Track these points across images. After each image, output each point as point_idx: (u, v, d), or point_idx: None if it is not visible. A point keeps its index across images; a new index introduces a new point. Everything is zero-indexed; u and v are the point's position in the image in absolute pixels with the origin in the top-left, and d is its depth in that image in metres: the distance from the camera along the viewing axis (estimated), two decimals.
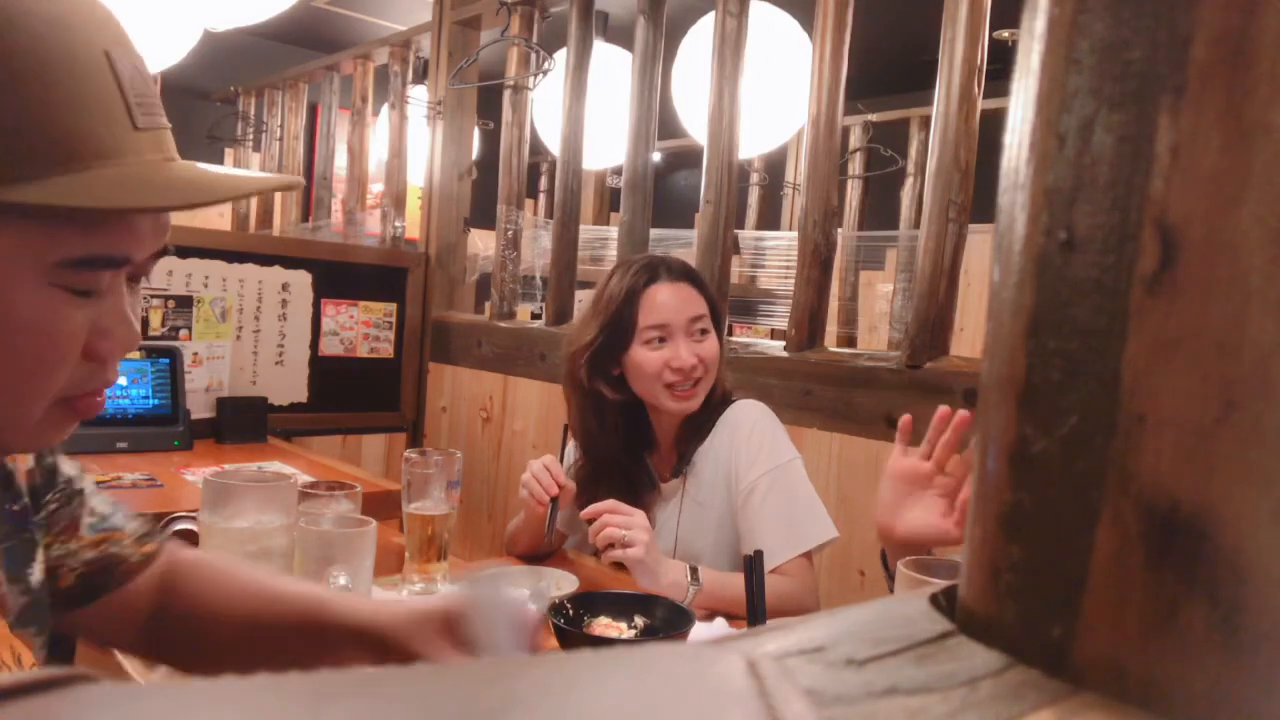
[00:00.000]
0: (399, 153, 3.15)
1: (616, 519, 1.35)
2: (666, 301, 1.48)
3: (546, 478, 1.47)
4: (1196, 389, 0.21)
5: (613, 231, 3.19)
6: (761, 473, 1.46)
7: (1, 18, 0.53)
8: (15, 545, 0.72)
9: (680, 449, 1.55)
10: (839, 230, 2.09)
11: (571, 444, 1.65)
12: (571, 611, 1.22)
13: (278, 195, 4.04)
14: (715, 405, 1.55)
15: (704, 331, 1.50)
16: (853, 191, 4.21)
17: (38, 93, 0.53)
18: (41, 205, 0.53)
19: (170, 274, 2.43)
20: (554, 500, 1.47)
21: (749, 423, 1.52)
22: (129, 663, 0.97)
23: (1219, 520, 0.21)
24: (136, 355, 2.27)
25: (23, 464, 0.74)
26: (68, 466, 0.79)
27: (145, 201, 0.58)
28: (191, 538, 1.11)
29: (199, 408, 2.41)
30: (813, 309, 1.92)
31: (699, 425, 1.53)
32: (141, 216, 0.59)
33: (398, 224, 3.12)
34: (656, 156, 2.40)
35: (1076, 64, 0.23)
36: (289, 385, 2.66)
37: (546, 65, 2.59)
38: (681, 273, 1.53)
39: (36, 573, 0.73)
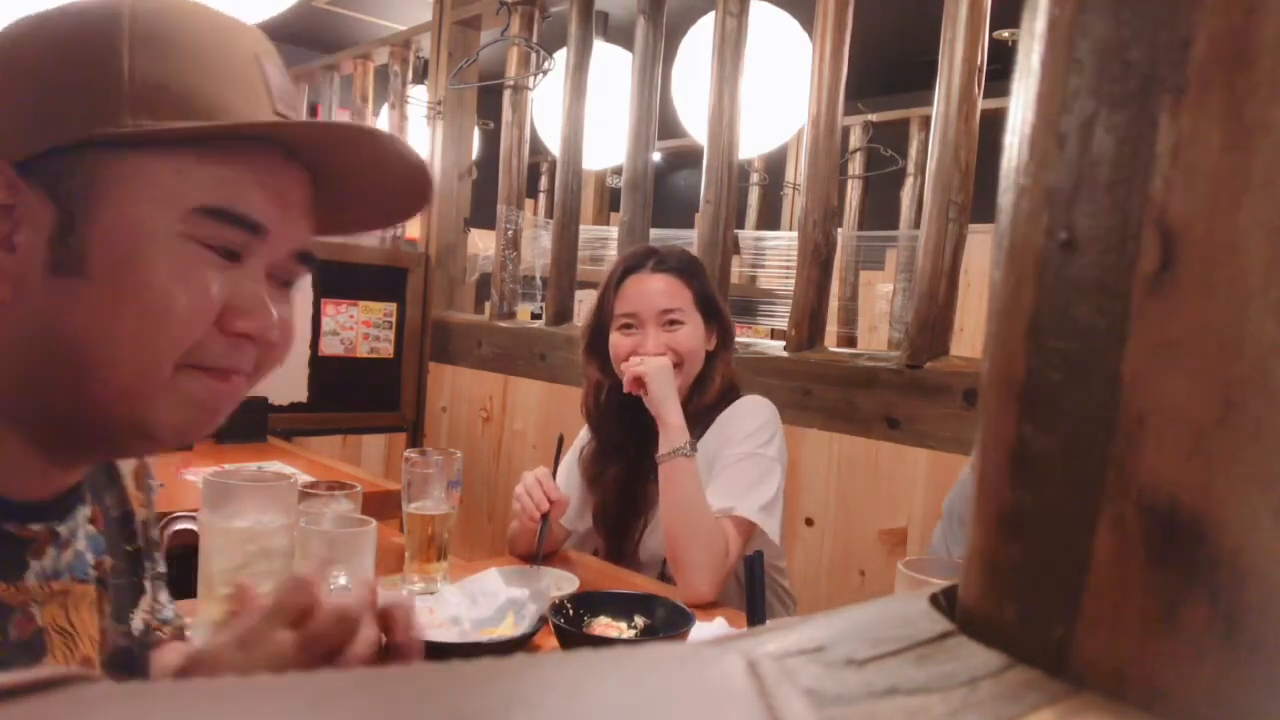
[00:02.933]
0: None
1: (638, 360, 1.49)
2: (638, 292, 1.54)
3: (538, 493, 1.48)
4: (1196, 389, 0.21)
5: (613, 231, 3.19)
6: (742, 453, 1.48)
7: (171, 17, 0.59)
8: (126, 586, 0.72)
9: None
10: (839, 230, 2.09)
11: (569, 451, 1.67)
12: (571, 611, 1.22)
13: None
14: (720, 398, 1.55)
15: (673, 323, 1.53)
16: (853, 191, 4.21)
17: (189, 63, 0.58)
18: (168, 130, 0.55)
19: None
20: (545, 516, 1.47)
21: (745, 414, 1.54)
22: None
23: (1219, 521, 0.21)
24: None
25: (140, 509, 0.75)
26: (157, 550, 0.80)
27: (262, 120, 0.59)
28: (191, 538, 1.11)
29: None
30: (813, 309, 1.92)
31: (701, 416, 1.54)
32: (277, 189, 0.61)
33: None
34: (656, 156, 2.40)
35: (1076, 64, 0.23)
36: (289, 385, 2.66)
37: (546, 65, 2.59)
38: (670, 264, 1.57)
39: (138, 620, 0.72)
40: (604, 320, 1.58)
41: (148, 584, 0.75)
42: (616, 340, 1.54)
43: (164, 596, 0.80)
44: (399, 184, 0.67)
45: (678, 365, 1.51)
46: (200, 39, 0.59)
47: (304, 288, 2.66)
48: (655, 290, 1.53)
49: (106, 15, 0.58)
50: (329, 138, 0.64)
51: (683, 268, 1.57)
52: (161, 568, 0.79)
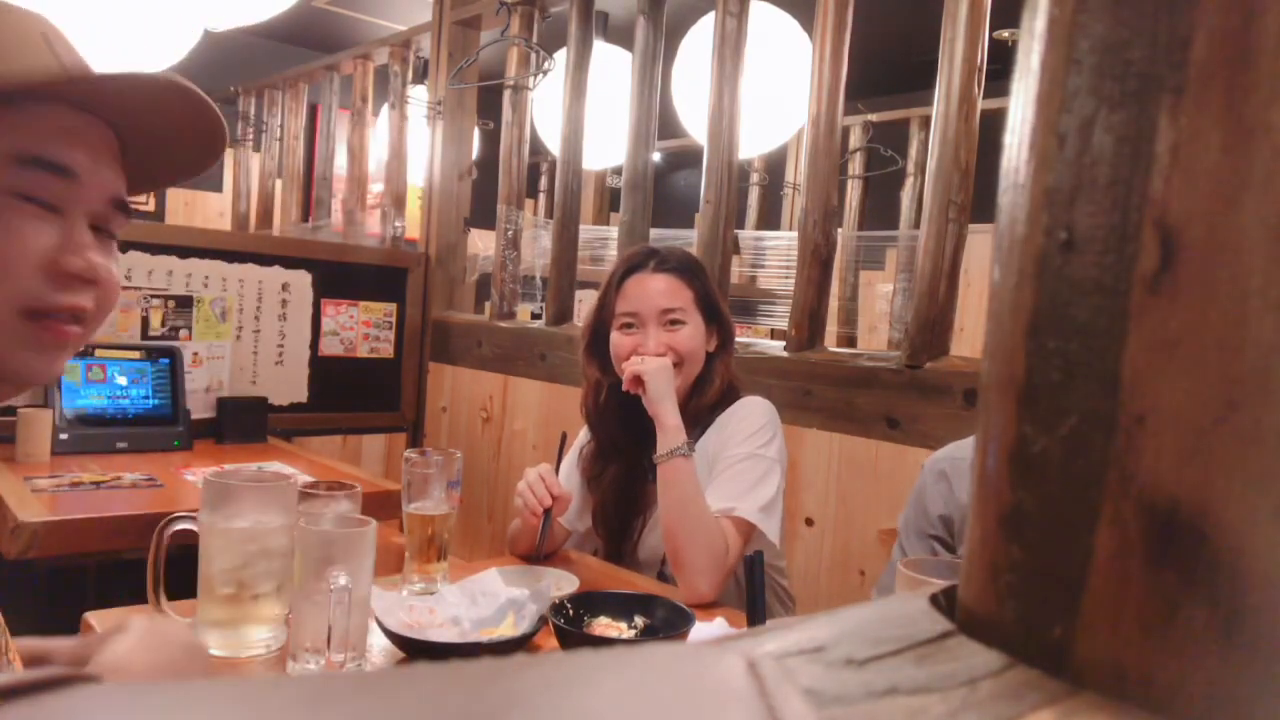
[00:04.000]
0: (399, 153, 3.15)
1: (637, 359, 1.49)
2: (640, 292, 1.54)
3: (541, 489, 1.48)
4: (1196, 389, 0.21)
5: (613, 231, 3.19)
6: (742, 453, 1.48)
7: None
8: None
9: None
10: (839, 230, 2.09)
11: (573, 445, 1.67)
12: (571, 611, 1.22)
13: (278, 195, 4.04)
14: (720, 399, 1.55)
15: (674, 323, 1.53)
16: (853, 191, 4.21)
17: None
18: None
19: (170, 274, 2.43)
20: (547, 512, 1.47)
21: (745, 414, 1.54)
22: None
23: (1219, 520, 0.21)
24: (136, 355, 2.28)
25: None
26: None
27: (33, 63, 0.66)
28: (191, 538, 1.11)
29: (199, 408, 2.41)
30: (813, 309, 1.92)
31: (701, 416, 1.54)
32: (83, 138, 0.67)
33: (398, 224, 3.12)
34: (656, 156, 2.40)
35: (1076, 64, 0.23)
36: (289, 385, 2.66)
37: (546, 65, 2.59)
38: (671, 264, 1.57)
39: None
40: (604, 320, 1.58)
41: None
42: (617, 339, 1.54)
43: None
44: (193, 126, 0.72)
45: (678, 365, 1.51)
46: None
47: (304, 289, 2.66)
48: (656, 290, 1.53)
49: None
50: (117, 84, 0.68)
51: (684, 268, 1.57)
52: None
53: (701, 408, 1.54)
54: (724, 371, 1.57)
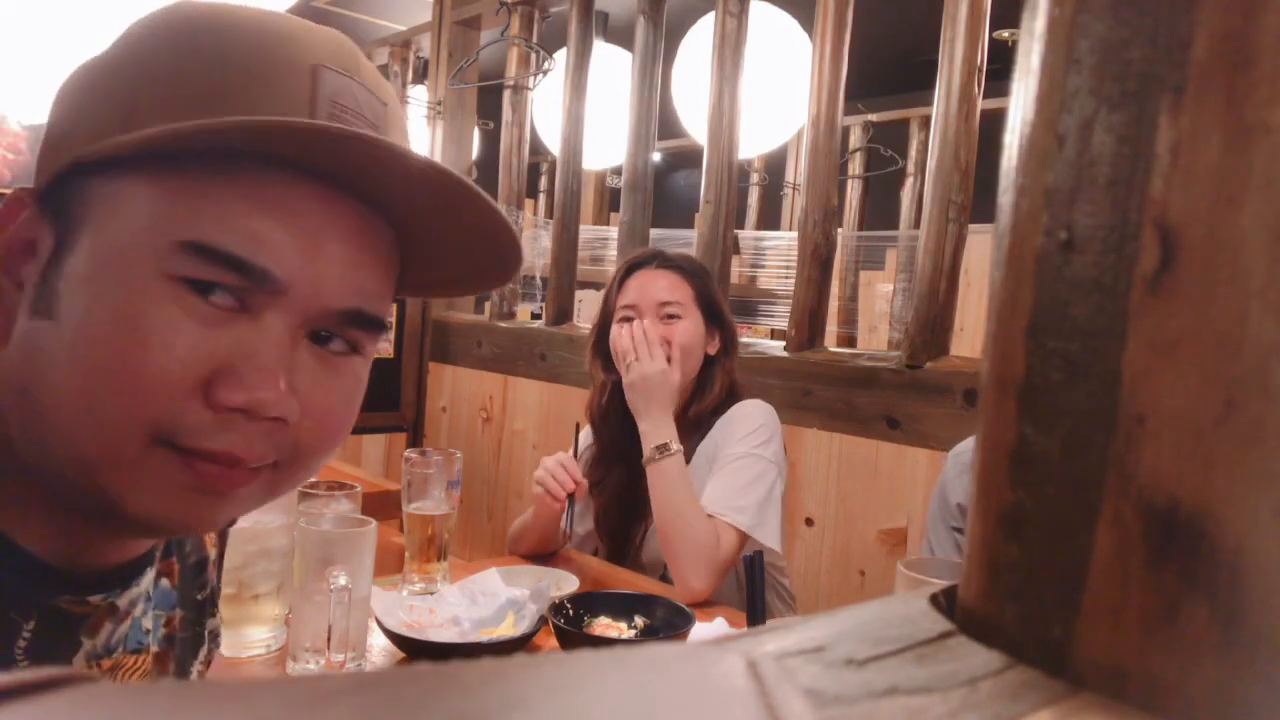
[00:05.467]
0: None
1: (640, 349, 1.48)
2: (639, 285, 1.56)
3: (563, 474, 1.49)
4: (1196, 389, 0.21)
5: (613, 231, 3.19)
6: (738, 453, 1.48)
7: (224, 25, 0.49)
8: (189, 638, 0.66)
9: (682, 442, 1.56)
10: (839, 230, 2.09)
11: (583, 435, 1.67)
12: (571, 611, 1.22)
13: None
14: (715, 404, 1.55)
15: (673, 316, 1.53)
16: (853, 191, 4.22)
17: (209, 69, 0.48)
18: (136, 139, 0.45)
19: None
20: (570, 496, 1.47)
21: (743, 415, 1.54)
22: None
23: (1219, 520, 0.21)
24: None
25: (212, 549, 0.70)
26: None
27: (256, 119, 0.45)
28: None
29: None
30: (813, 309, 1.92)
31: (703, 420, 1.54)
32: (305, 227, 0.48)
33: None
34: (656, 156, 2.40)
35: (1076, 64, 0.23)
36: None
37: (546, 65, 2.59)
38: (671, 262, 1.59)
39: (195, 673, 0.68)
40: (608, 319, 1.59)
41: (206, 633, 0.70)
42: (616, 332, 1.55)
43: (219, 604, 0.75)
44: (473, 237, 0.54)
45: (670, 360, 1.51)
46: (238, 46, 0.49)
47: None
48: (656, 285, 1.55)
49: (148, 21, 0.50)
50: (369, 153, 0.48)
51: (685, 267, 1.59)
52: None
53: (703, 411, 1.55)
54: (725, 375, 1.57)
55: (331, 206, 0.49)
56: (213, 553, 0.70)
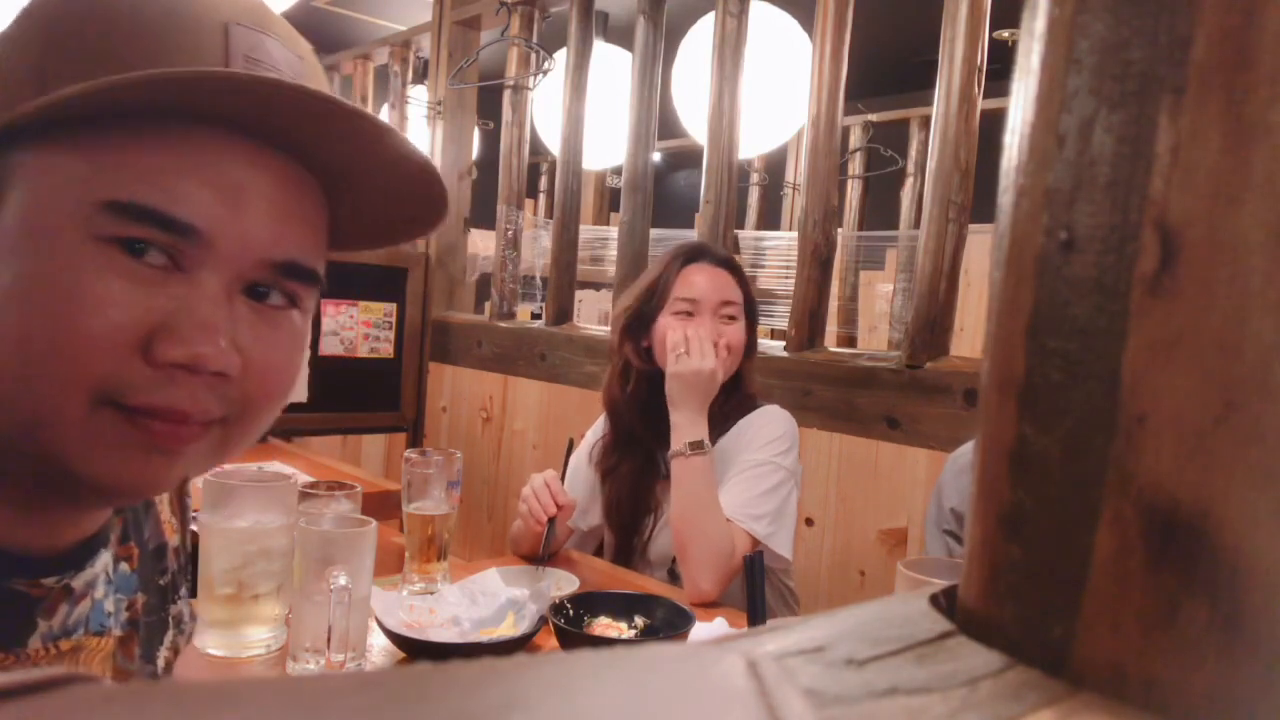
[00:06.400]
0: None
1: (693, 343, 1.45)
2: (703, 280, 1.54)
3: (546, 496, 1.47)
4: (1196, 389, 0.21)
5: (613, 231, 3.19)
6: (758, 460, 1.47)
7: None
8: (154, 623, 0.66)
9: None
10: (839, 230, 2.09)
11: (581, 444, 1.66)
12: (571, 611, 1.22)
13: None
14: (737, 405, 1.55)
15: (732, 318, 1.53)
16: (853, 191, 4.21)
17: (117, 31, 0.48)
18: (52, 101, 0.44)
19: None
20: (551, 520, 1.47)
21: (766, 422, 1.54)
22: None
23: (1219, 520, 0.21)
24: None
25: (173, 535, 0.70)
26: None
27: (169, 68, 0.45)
28: (192, 538, 1.11)
29: None
30: (813, 309, 1.92)
31: (718, 420, 1.54)
32: (228, 182, 0.49)
33: None
34: (656, 156, 2.40)
35: (1076, 64, 0.23)
36: None
37: (546, 65, 2.59)
38: (724, 260, 1.58)
39: (162, 658, 0.67)
40: (654, 304, 1.55)
41: (170, 618, 0.69)
42: (669, 322, 1.52)
43: (183, 591, 0.74)
44: (395, 178, 0.55)
45: (720, 360, 1.50)
46: (144, 6, 0.49)
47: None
48: (720, 281, 1.54)
49: None
50: (281, 101, 0.47)
51: (734, 266, 1.59)
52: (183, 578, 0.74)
53: (727, 411, 1.54)
54: (749, 377, 1.58)
55: (254, 159, 0.50)
56: (174, 539, 0.70)
